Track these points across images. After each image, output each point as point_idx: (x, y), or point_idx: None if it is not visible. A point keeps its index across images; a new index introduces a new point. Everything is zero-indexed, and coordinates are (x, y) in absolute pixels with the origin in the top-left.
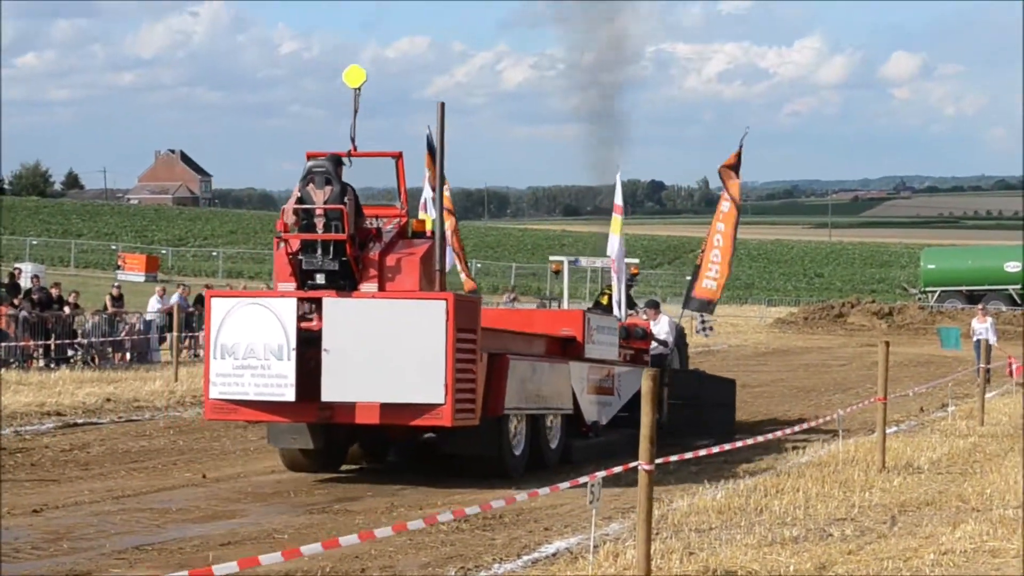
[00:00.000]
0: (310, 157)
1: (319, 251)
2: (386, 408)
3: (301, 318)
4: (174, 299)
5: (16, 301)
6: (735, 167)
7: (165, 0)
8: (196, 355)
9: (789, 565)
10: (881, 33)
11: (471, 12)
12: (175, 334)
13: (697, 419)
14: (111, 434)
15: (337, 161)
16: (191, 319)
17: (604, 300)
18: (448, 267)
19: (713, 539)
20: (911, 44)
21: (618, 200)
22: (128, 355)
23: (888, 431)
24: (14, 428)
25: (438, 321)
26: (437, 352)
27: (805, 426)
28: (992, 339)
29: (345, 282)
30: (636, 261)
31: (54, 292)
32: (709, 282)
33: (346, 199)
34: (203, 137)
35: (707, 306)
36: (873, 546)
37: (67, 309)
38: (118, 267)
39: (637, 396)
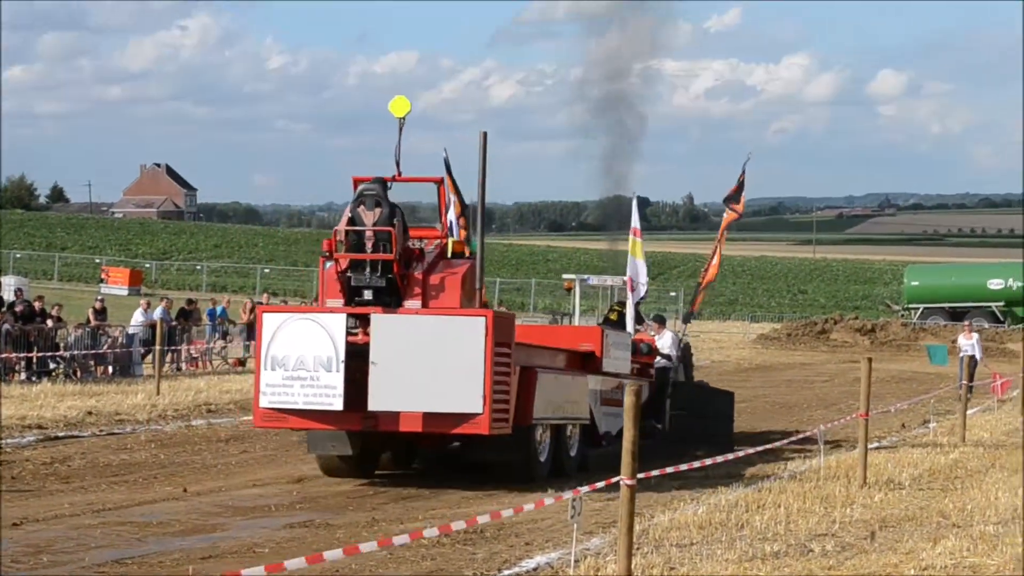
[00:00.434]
0: (357, 182)
1: (367, 270)
2: (428, 417)
3: (348, 332)
4: (157, 313)
5: None
6: (735, 196)
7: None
8: (179, 368)
9: None
10: (868, 51)
11: (460, 28)
12: (158, 348)
13: (698, 429)
14: (92, 447)
15: (385, 184)
16: (174, 333)
17: (613, 316)
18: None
19: (694, 554)
20: (898, 62)
21: (635, 223)
22: (110, 368)
23: (870, 447)
24: None
25: (478, 336)
26: (476, 365)
27: (787, 441)
28: (979, 355)
29: (391, 299)
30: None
31: (37, 305)
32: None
33: (395, 221)
34: (189, 151)
35: (689, 315)
36: (854, 562)
37: (50, 322)
38: (102, 280)
39: (644, 408)
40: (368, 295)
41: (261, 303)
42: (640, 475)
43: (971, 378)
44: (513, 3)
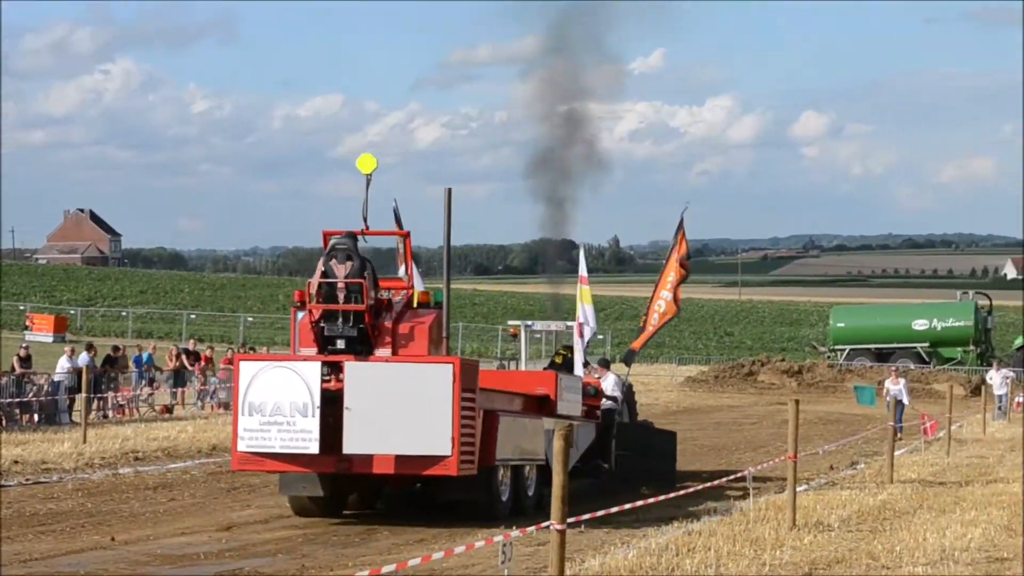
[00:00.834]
0: (327, 235)
1: (340, 320)
2: (399, 459)
3: (323, 379)
4: (82, 359)
5: None
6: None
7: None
8: (105, 416)
9: None
10: (790, 93)
11: (384, 72)
12: (84, 395)
13: (642, 468)
14: (19, 497)
15: (355, 238)
16: (100, 380)
17: (559, 360)
18: None
19: None
20: (820, 104)
21: (583, 272)
22: (36, 416)
23: (799, 489)
24: None
25: (446, 382)
26: (445, 410)
27: (716, 483)
28: (906, 399)
29: (363, 347)
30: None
31: None
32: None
33: (365, 273)
34: (113, 196)
35: (631, 356)
36: None
37: None
38: (26, 328)
39: (590, 448)
40: (341, 344)
41: (187, 349)
42: (570, 520)
43: (899, 421)
44: (437, 47)
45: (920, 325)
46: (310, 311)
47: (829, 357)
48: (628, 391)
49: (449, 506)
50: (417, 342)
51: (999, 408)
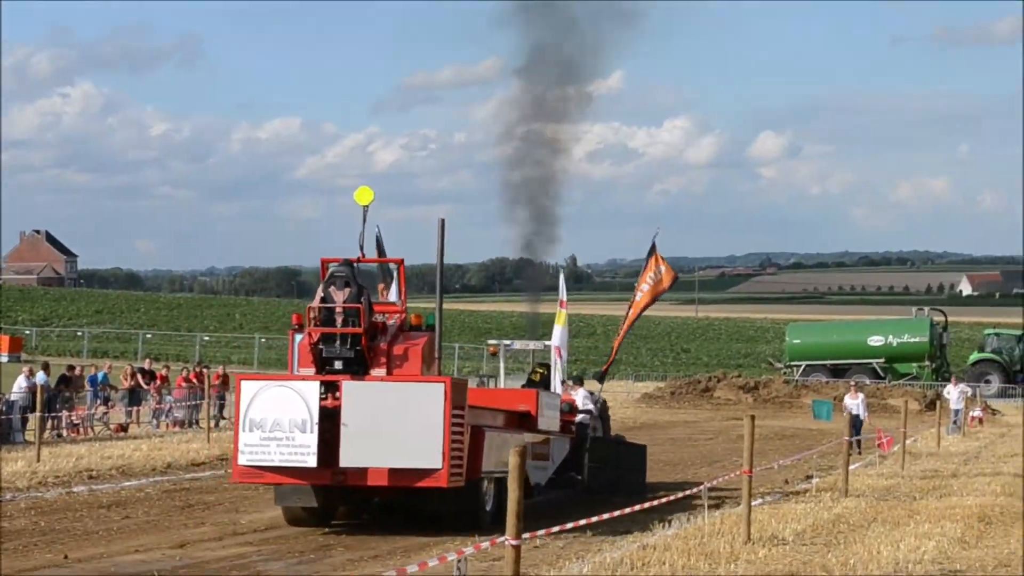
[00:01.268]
0: (325, 262)
1: (337, 342)
2: (393, 472)
3: (320, 397)
4: (40, 378)
5: None
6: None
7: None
8: (59, 435)
9: None
10: (748, 114)
11: (343, 94)
12: (38, 414)
13: (613, 480)
14: None
15: (353, 266)
16: (55, 399)
17: (536, 377)
18: None
19: None
20: (777, 124)
21: (563, 296)
22: None
23: (754, 503)
24: None
25: (437, 400)
26: (436, 426)
27: (672, 498)
28: (863, 415)
29: (359, 368)
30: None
31: None
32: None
33: (362, 299)
34: (71, 218)
35: (603, 377)
36: None
37: None
38: None
39: (565, 461)
40: (338, 365)
41: (143, 368)
42: (525, 535)
43: (857, 436)
44: (396, 69)
45: (876, 341)
46: (309, 334)
47: (785, 373)
48: (603, 407)
49: (435, 516)
50: (411, 362)
51: (954, 422)
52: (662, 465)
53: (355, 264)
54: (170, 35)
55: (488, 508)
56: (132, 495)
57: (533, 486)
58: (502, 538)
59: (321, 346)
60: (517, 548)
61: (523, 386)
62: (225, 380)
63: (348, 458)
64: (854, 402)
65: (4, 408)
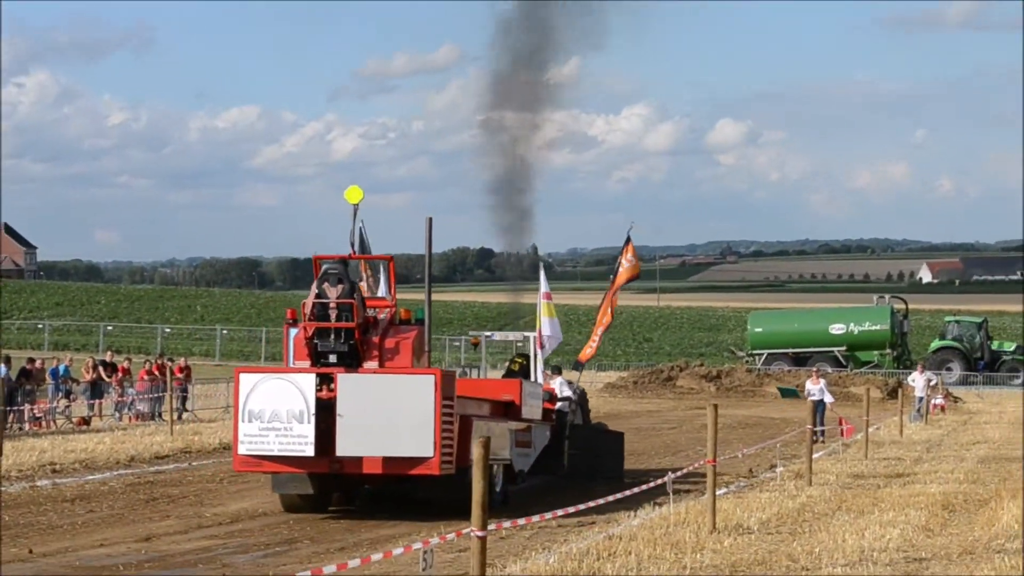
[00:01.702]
0: (318, 259)
1: (332, 336)
2: (387, 460)
3: (316, 389)
4: (0, 372)
5: None
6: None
7: None
8: (21, 428)
9: None
10: (706, 101)
11: (300, 83)
12: (0, 408)
13: (592, 466)
14: None
15: (346, 263)
16: (15, 393)
17: (515, 367)
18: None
19: None
20: (736, 112)
21: (544, 288)
22: None
23: (718, 492)
24: None
25: (428, 392)
26: (428, 416)
27: (636, 490)
28: (828, 399)
29: (353, 361)
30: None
31: None
32: (588, 349)
33: (355, 295)
34: (28, 209)
35: (579, 366)
36: None
37: None
38: None
39: (546, 448)
40: (333, 358)
41: (104, 361)
42: (491, 527)
43: (821, 421)
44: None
45: (837, 329)
46: (304, 328)
47: (747, 362)
48: (582, 396)
49: (426, 502)
50: (402, 355)
51: (917, 410)
52: (626, 455)
53: (348, 261)
54: (122, 23)
55: None
56: (96, 489)
57: (517, 472)
58: (467, 529)
59: (316, 340)
60: (483, 539)
61: (503, 376)
62: (188, 372)
63: (344, 447)
64: (816, 387)
65: None
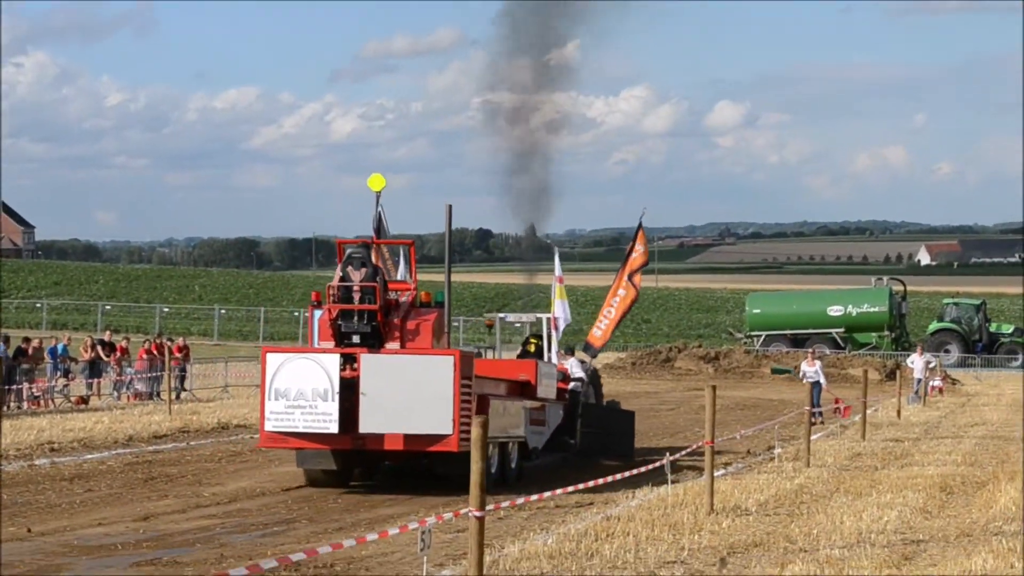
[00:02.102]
0: (341, 243)
1: (355, 318)
2: (407, 437)
3: (340, 369)
4: None
5: None
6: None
7: None
8: (20, 407)
9: None
10: (705, 84)
11: (300, 63)
12: None
13: (604, 444)
14: None
15: (369, 248)
16: (13, 372)
17: (531, 348)
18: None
19: None
20: (735, 94)
21: (558, 272)
22: None
23: (716, 474)
24: None
25: (448, 371)
26: (447, 395)
27: (635, 471)
28: (823, 381)
29: (375, 341)
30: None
31: None
32: (597, 331)
33: (377, 278)
34: (27, 189)
35: (591, 348)
36: None
37: None
38: None
39: (559, 426)
40: (356, 339)
41: (103, 340)
42: (489, 507)
43: (816, 403)
44: (352, 38)
45: (835, 311)
46: (328, 310)
47: (746, 343)
48: (594, 375)
49: (445, 478)
50: (422, 336)
51: (915, 392)
52: None
53: (371, 246)
54: (121, 3)
55: (493, 471)
56: (94, 468)
57: (531, 449)
58: (465, 509)
59: (340, 321)
60: (481, 519)
61: (518, 356)
62: (186, 352)
63: (367, 424)
64: (812, 369)
65: None
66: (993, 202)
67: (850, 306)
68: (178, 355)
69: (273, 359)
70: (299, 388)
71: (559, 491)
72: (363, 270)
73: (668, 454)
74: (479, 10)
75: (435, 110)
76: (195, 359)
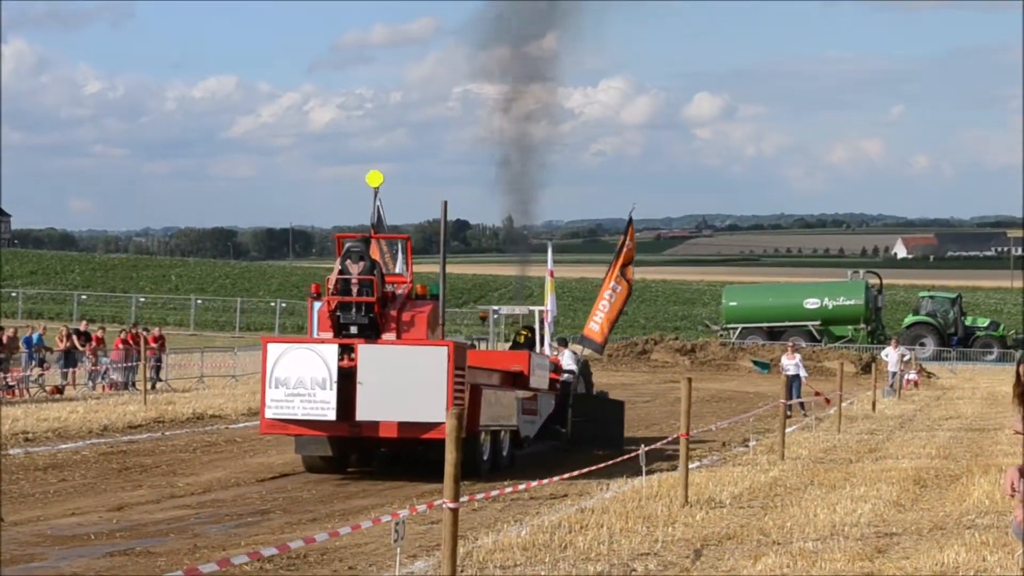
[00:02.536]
0: (339, 237)
1: (353, 310)
2: (402, 425)
3: (338, 358)
4: None
5: None
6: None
7: None
8: None
9: None
10: (683, 75)
11: (278, 53)
12: None
13: (594, 434)
14: None
15: (367, 242)
16: None
17: (521, 339)
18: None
19: None
20: (713, 86)
21: (551, 267)
22: None
23: (691, 466)
24: None
25: (442, 362)
26: (441, 384)
27: (610, 463)
28: (803, 374)
29: (372, 332)
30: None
31: None
32: (594, 324)
33: (375, 272)
34: (3, 177)
35: (592, 343)
36: None
37: None
38: None
39: (550, 416)
40: (354, 330)
41: (78, 330)
42: (463, 499)
43: (798, 396)
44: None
45: (811, 304)
46: (327, 302)
47: (722, 335)
48: (584, 366)
49: (437, 463)
50: (417, 328)
51: (890, 385)
52: None
53: (369, 240)
54: None
55: (485, 458)
56: (68, 458)
57: (523, 438)
58: (439, 501)
59: (338, 313)
60: (455, 511)
61: (510, 348)
62: (162, 342)
63: (364, 412)
64: (791, 362)
65: None
66: (970, 195)
67: (826, 299)
68: (154, 345)
69: (274, 349)
70: (299, 377)
71: (534, 483)
72: (361, 263)
73: (643, 446)
74: (457, 1)
75: (413, 100)
76: (171, 349)
